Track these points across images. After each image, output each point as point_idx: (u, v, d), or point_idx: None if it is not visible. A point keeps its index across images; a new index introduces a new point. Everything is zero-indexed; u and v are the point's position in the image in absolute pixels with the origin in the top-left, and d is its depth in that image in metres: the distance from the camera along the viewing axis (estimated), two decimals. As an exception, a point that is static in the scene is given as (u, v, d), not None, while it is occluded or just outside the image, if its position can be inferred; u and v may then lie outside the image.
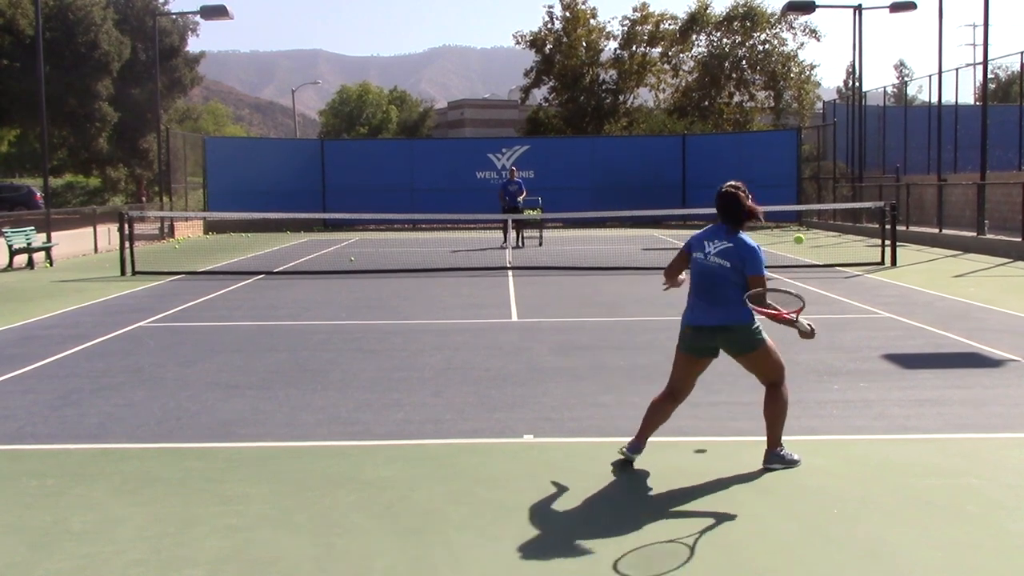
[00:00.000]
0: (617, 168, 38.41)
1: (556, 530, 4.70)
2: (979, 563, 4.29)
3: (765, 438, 5.67)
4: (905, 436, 6.38)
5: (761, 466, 5.64)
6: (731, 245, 5.56)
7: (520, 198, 25.43)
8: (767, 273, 5.59)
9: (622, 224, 35.62)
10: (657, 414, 5.79)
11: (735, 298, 5.52)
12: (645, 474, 5.57)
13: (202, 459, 6.00)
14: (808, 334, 5.59)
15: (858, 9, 31.44)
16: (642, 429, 5.80)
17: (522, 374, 8.49)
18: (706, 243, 5.67)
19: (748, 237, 5.64)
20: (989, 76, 28.26)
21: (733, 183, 5.75)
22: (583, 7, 56.45)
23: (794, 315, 5.49)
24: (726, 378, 8.18)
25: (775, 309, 5.54)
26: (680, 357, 5.79)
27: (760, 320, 5.61)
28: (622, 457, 5.77)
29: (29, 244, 20.86)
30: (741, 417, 6.85)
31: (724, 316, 5.57)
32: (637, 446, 5.79)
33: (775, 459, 5.66)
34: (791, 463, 5.67)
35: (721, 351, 5.72)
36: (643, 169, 37.99)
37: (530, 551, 4.44)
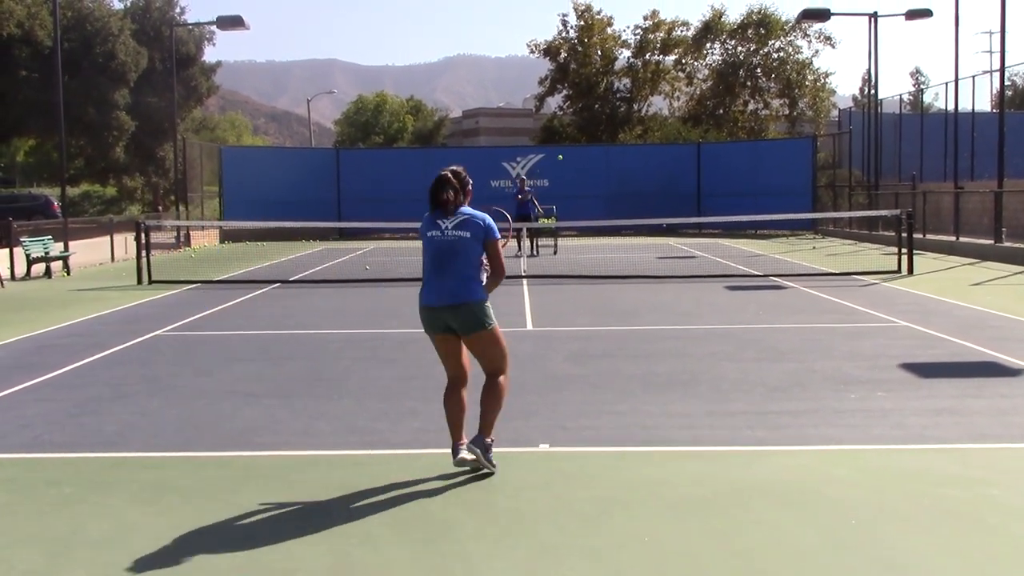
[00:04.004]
0: (632, 176, 38.41)
1: (572, 539, 4.69)
2: (998, 574, 4.26)
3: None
4: (923, 446, 6.33)
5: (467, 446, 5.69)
6: (466, 217, 5.76)
7: (534, 210, 25.37)
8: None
9: (637, 232, 35.59)
10: (453, 409, 5.80)
11: (468, 274, 5.72)
12: (661, 483, 5.55)
13: (219, 468, 6.02)
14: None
15: (874, 16, 31.37)
16: (452, 431, 5.79)
17: (537, 383, 8.47)
18: (439, 222, 5.78)
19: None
20: (1006, 83, 28.15)
21: (452, 167, 5.91)
22: (599, 16, 56.60)
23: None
24: (742, 386, 8.16)
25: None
26: (433, 342, 5.89)
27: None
28: (460, 468, 5.74)
29: (47, 253, 21.00)
30: (758, 426, 6.82)
31: (454, 294, 5.69)
32: (458, 449, 5.75)
33: (482, 445, 5.67)
34: (487, 463, 5.68)
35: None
36: (658, 177, 37.98)
37: (546, 560, 4.42)
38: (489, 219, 5.79)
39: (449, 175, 5.77)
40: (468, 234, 5.71)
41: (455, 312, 5.67)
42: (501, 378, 5.79)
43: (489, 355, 5.79)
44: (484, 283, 5.80)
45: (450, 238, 5.72)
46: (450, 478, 5.70)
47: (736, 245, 29.55)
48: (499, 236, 5.82)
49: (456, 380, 5.87)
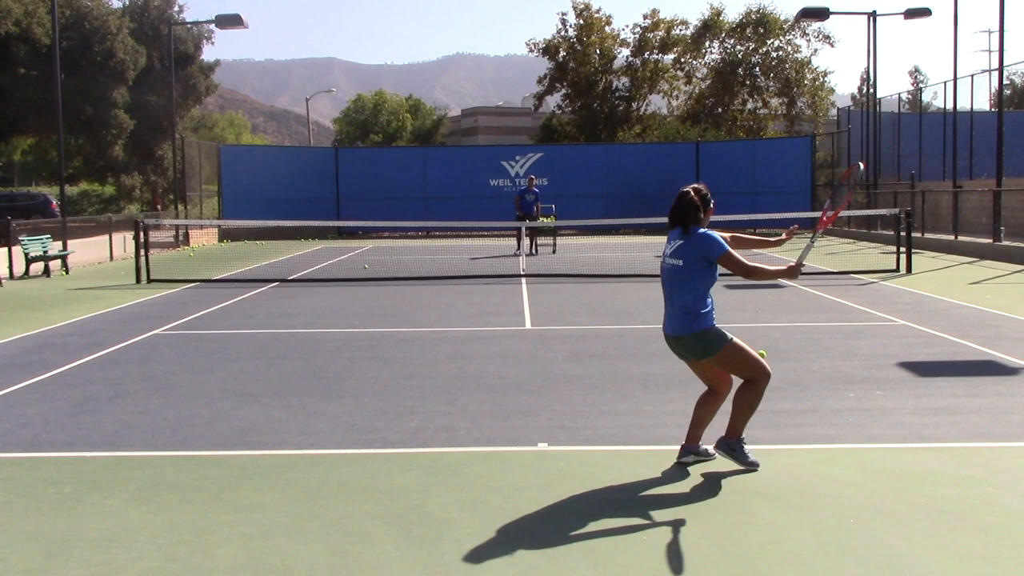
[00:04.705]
0: (630, 175, 38.42)
1: (570, 539, 4.69)
2: (997, 574, 4.26)
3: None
4: (921, 445, 6.33)
5: (715, 450, 5.73)
6: (682, 242, 5.62)
7: (536, 210, 25.44)
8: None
9: (636, 231, 35.60)
10: (702, 412, 5.86)
11: (688, 304, 5.57)
12: (660, 482, 5.56)
13: (217, 467, 6.02)
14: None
15: (872, 15, 31.38)
16: (690, 430, 5.89)
17: (536, 382, 8.48)
18: (666, 247, 5.75)
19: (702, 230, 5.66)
20: (1005, 82, 28.16)
21: (695, 184, 5.81)
22: (598, 15, 56.60)
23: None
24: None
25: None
26: None
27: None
28: (679, 462, 5.86)
29: (45, 252, 20.99)
30: (756, 426, 6.80)
31: (677, 326, 5.63)
32: (689, 449, 5.86)
33: (725, 447, 5.68)
34: (742, 462, 5.66)
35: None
36: (656, 176, 37.96)
37: (544, 560, 4.43)
38: (712, 238, 5.55)
39: (690, 192, 5.66)
40: (681, 262, 5.56)
41: (678, 342, 5.66)
42: (753, 384, 5.66)
43: (734, 372, 5.72)
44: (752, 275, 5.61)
45: (667, 266, 5.66)
46: (448, 477, 5.70)
47: (735, 244, 29.47)
48: (726, 249, 5.51)
49: (710, 390, 5.86)
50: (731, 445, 5.70)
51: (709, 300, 5.63)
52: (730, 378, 5.83)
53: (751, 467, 5.70)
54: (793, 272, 5.70)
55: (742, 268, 5.54)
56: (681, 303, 5.57)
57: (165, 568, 4.38)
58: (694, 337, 5.56)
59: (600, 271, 19.12)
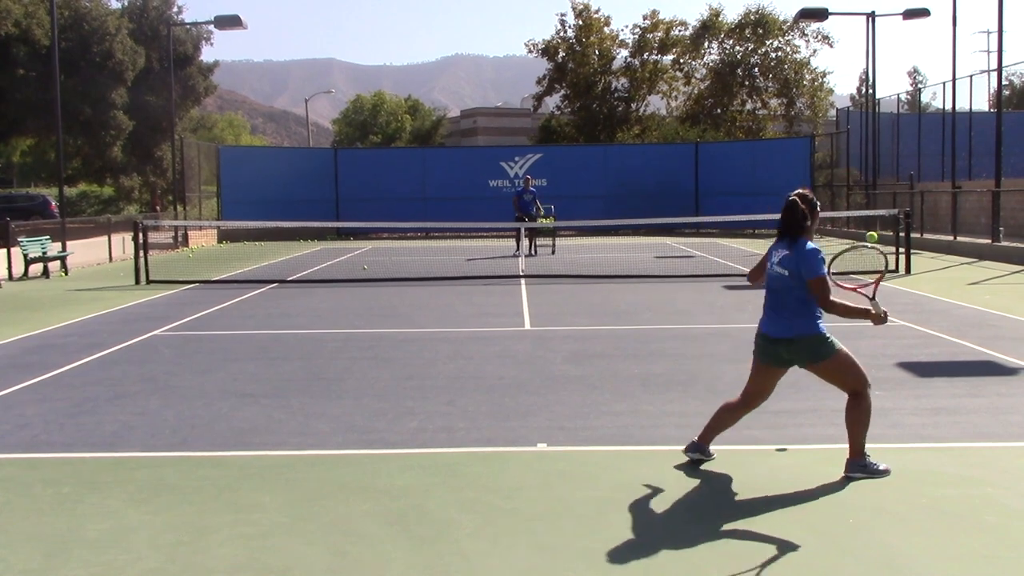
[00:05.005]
0: (630, 176, 38.40)
1: (569, 540, 4.69)
2: (997, 574, 4.26)
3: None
4: (921, 445, 6.34)
5: (843, 474, 5.60)
6: (788, 252, 5.57)
7: (534, 209, 25.41)
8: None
9: (635, 232, 35.61)
10: (725, 418, 5.87)
11: (799, 308, 5.53)
12: (656, 484, 5.55)
13: (216, 467, 6.02)
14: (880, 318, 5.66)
15: (871, 16, 31.38)
16: (705, 429, 5.89)
17: (535, 383, 8.48)
18: (773, 253, 5.71)
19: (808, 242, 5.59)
20: (1004, 82, 28.18)
21: (799, 190, 5.76)
22: (597, 16, 56.62)
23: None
24: (740, 386, 8.13)
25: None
26: (754, 364, 5.83)
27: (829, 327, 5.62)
28: (687, 459, 5.90)
29: (44, 253, 20.98)
30: (756, 426, 6.81)
31: (788, 328, 5.57)
32: (698, 446, 5.88)
33: (856, 468, 5.58)
34: (875, 473, 5.58)
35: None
36: (656, 177, 37.97)
37: (543, 560, 4.43)
38: (814, 254, 5.48)
39: (797, 200, 5.58)
40: (787, 272, 5.53)
41: (789, 346, 5.58)
42: (858, 397, 5.61)
43: (837, 382, 5.69)
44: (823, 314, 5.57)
45: (774, 274, 5.64)
46: (447, 477, 5.70)
47: (734, 244, 29.55)
48: (821, 272, 5.45)
49: (747, 399, 5.86)
50: (861, 464, 5.59)
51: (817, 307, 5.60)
52: (768, 397, 5.83)
53: (886, 474, 5.60)
54: (879, 320, 5.69)
55: (825, 299, 5.49)
56: (793, 308, 5.54)
57: (165, 569, 4.38)
58: (809, 340, 5.53)
59: (599, 272, 19.12)
